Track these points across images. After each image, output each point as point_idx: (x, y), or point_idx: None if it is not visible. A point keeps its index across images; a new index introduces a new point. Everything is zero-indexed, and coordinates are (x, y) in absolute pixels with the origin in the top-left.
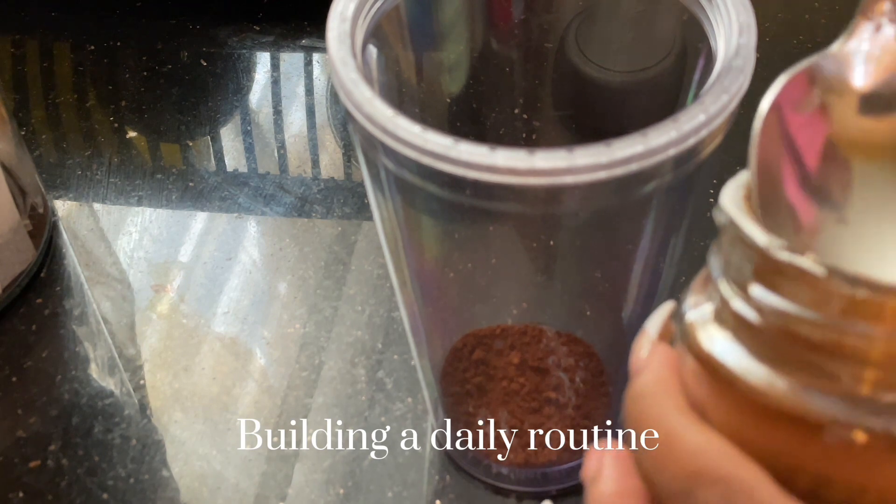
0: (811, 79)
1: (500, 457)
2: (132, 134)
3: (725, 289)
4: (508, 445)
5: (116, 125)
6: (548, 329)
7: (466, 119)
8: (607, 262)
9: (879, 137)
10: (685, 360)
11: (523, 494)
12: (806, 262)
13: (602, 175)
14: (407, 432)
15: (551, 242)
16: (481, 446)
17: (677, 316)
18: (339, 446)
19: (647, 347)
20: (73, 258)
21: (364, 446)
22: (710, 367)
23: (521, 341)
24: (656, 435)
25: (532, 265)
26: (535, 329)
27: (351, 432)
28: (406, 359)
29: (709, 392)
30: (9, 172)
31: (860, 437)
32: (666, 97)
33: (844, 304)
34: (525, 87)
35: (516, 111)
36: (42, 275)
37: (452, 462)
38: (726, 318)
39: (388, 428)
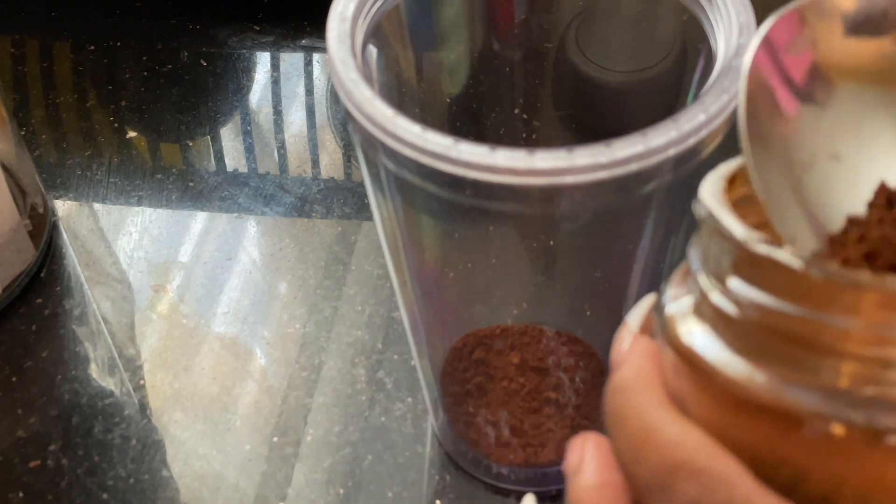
0: (802, 18)
1: (499, 457)
2: (132, 134)
3: (704, 282)
4: (508, 445)
5: (116, 125)
6: (548, 329)
7: (466, 119)
8: (607, 262)
9: (870, 63)
10: (665, 352)
11: (523, 494)
12: (783, 255)
13: (602, 175)
14: (407, 432)
15: (551, 242)
16: (481, 446)
17: (657, 308)
18: (339, 446)
19: (628, 340)
20: (73, 258)
21: (364, 446)
22: (690, 361)
23: (521, 341)
24: (636, 428)
25: (532, 265)
26: (535, 329)
27: (351, 432)
28: (406, 359)
29: (688, 385)
30: (9, 172)
31: (839, 430)
32: (666, 97)
33: (822, 297)
34: (525, 87)
35: (516, 111)
36: (42, 275)
37: (452, 462)
38: (705, 311)
39: (388, 428)
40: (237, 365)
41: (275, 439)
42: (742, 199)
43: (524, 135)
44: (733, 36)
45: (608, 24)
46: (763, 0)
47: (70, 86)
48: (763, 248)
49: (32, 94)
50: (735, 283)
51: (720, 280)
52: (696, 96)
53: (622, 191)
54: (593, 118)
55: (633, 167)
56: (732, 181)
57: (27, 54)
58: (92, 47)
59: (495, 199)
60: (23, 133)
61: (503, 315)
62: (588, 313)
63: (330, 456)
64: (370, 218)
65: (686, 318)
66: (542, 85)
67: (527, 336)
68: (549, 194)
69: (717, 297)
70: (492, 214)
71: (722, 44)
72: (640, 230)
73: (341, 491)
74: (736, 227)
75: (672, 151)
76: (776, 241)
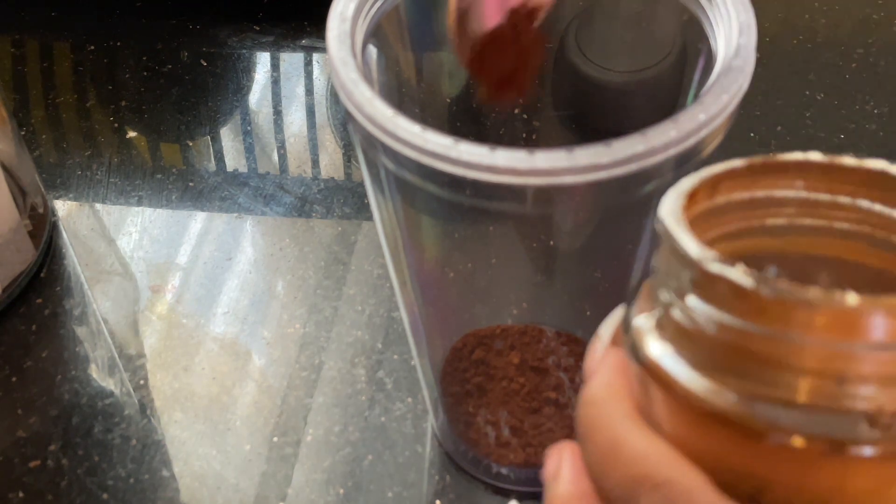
0: None
1: (499, 457)
2: (132, 134)
3: (665, 297)
4: (508, 445)
5: (116, 125)
6: (548, 329)
7: (466, 119)
8: (607, 262)
9: None
10: (632, 365)
11: (523, 494)
12: (735, 273)
13: (602, 175)
14: (407, 432)
15: (551, 242)
16: (481, 446)
17: (625, 321)
18: (339, 446)
19: (600, 352)
20: (73, 258)
21: (364, 446)
22: (653, 375)
23: (521, 341)
24: (603, 440)
25: (532, 265)
26: (535, 329)
27: (351, 432)
28: (406, 359)
29: (653, 398)
30: (9, 172)
31: (799, 442)
32: (666, 97)
33: (775, 315)
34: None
35: (516, 111)
36: (42, 275)
37: (452, 462)
38: (668, 325)
39: (388, 428)
40: (237, 365)
41: (275, 439)
42: (701, 215)
43: (524, 135)
44: (733, 36)
45: (608, 24)
46: (763, 0)
47: (70, 86)
48: (716, 267)
49: (32, 94)
50: (692, 300)
51: (680, 296)
52: (696, 96)
53: (622, 191)
54: (593, 118)
55: (633, 167)
56: (693, 197)
57: (27, 54)
58: (92, 47)
59: (495, 199)
60: (23, 133)
61: (503, 315)
62: (588, 313)
63: (330, 456)
64: (370, 218)
65: (650, 332)
66: (542, 85)
67: (527, 336)
68: (550, 194)
69: (677, 313)
70: (492, 214)
71: (722, 44)
72: (640, 230)
73: (341, 491)
74: (691, 245)
75: (672, 151)
76: (731, 259)
